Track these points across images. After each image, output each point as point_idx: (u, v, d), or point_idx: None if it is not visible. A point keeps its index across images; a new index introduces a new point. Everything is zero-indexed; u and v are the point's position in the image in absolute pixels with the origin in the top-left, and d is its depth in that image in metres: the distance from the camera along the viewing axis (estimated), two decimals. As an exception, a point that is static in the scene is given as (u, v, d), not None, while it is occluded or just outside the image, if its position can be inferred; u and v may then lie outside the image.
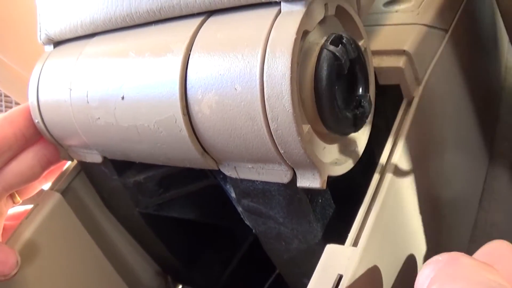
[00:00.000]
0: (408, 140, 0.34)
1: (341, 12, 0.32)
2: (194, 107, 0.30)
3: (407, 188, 0.35)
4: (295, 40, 0.27)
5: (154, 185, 0.43)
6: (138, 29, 0.36)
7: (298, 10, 0.28)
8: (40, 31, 0.43)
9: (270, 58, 0.27)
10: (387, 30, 0.38)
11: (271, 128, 0.28)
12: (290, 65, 0.26)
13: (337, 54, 0.28)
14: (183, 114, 0.31)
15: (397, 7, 0.42)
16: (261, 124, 0.28)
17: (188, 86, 0.30)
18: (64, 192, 0.46)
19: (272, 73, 0.27)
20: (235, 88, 0.28)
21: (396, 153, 0.33)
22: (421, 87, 0.36)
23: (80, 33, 0.40)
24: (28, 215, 0.44)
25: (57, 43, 0.43)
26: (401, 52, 0.35)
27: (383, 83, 0.36)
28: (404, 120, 0.35)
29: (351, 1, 0.33)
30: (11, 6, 0.69)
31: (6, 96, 1.04)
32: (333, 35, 0.29)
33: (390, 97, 0.37)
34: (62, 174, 0.47)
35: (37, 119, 0.42)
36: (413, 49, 0.35)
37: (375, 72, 0.35)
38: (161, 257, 0.51)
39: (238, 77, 0.28)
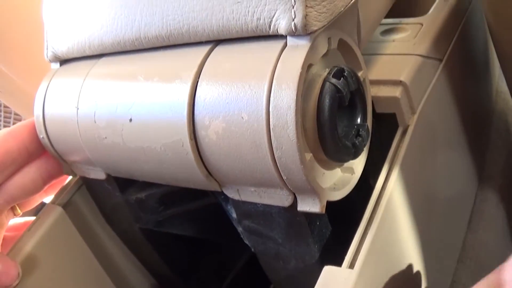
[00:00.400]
0: (402, 167, 0.36)
1: (342, 44, 0.33)
2: (201, 132, 0.32)
3: (402, 212, 0.36)
4: (301, 74, 0.28)
5: (155, 202, 0.44)
6: (146, 53, 0.37)
7: (303, 45, 0.29)
8: (47, 49, 0.44)
9: (277, 90, 0.28)
10: (384, 59, 0.40)
11: (275, 156, 0.29)
12: (295, 97, 0.28)
13: (339, 87, 0.30)
14: (190, 138, 0.32)
15: (394, 36, 0.43)
16: (265, 152, 0.29)
17: (196, 112, 0.32)
18: (65, 206, 0.47)
19: (278, 104, 0.28)
20: (242, 117, 0.30)
21: (391, 179, 0.35)
22: (415, 116, 0.38)
23: (88, 53, 0.41)
24: (30, 228, 0.45)
25: (64, 61, 0.44)
26: (398, 83, 0.37)
27: (379, 111, 0.38)
28: (399, 148, 0.37)
29: (352, 33, 0.34)
30: (13, 18, 0.70)
31: (5, 107, 1.05)
32: (335, 68, 0.31)
33: (385, 125, 0.38)
34: (64, 188, 0.48)
35: (42, 135, 0.43)
36: (409, 80, 0.37)
37: (372, 101, 0.36)
38: (159, 271, 0.52)
39: (245, 106, 0.29)
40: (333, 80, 0.30)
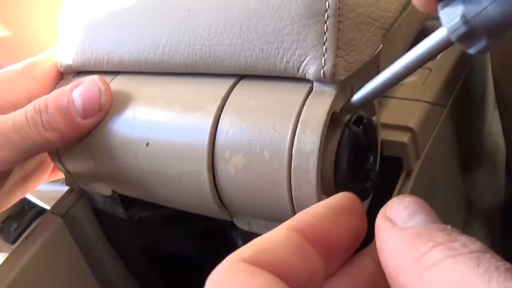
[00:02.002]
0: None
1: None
2: (220, 165, 0.33)
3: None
4: (325, 121, 0.29)
5: (158, 221, 0.45)
6: (167, 78, 0.38)
7: (329, 92, 0.30)
8: (61, 59, 0.44)
9: (301, 134, 0.29)
10: (394, 103, 0.42)
11: (293, 196, 0.30)
12: (319, 143, 0.29)
13: (358, 134, 0.31)
14: (208, 170, 0.33)
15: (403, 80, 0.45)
16: (284, 191, 0.30)
17: (217, 145, 0.33)
18: (64, 216, 0.47)
19: (301, 148, 0.29)
20: (264, 155, 0.31)
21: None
22: (420, 161, 0.39)
23: (105, 69, 0.41)
24: (28, 236, 0.45)
25: (78, 73, 0.44)
26: (407, 129, 0.38)
27: (386, 154, 0.39)
28: (402, 191, 0.38)
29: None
30: (15, 18, 0.70)
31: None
32: (355, 116, 0.32)
33: (389, 167, 0.39)
34: (63, 197, 0.48)
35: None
36: (418, 126, 0.39)
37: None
38: (152, 286, 0.52)
39: (268, 146, 0.30)
40: (354, 128, 0.31)
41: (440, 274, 0.18)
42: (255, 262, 0.20)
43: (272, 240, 0.22)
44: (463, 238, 0.19)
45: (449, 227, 0.20)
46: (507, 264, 0.18)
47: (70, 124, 0.38)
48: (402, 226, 0.21)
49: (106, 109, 0.38)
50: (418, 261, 0.19)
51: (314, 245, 0.23)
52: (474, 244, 0.19)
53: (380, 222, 0.22)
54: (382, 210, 0.23)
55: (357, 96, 0.30)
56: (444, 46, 0.24)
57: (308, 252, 0.22)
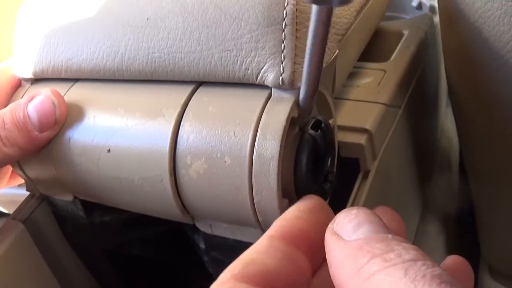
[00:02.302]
0: (365, 202, 0.38)
1: (318, 95, 0.35)
2: (181, 170, 0.33)
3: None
4: (285, 127, 0.30)
5: (119, 225, 0.45)
6: (126, 85, 0.38)
7: (288, 98, 0.31)
8: (19, 67, 0.44)
9: (261, 140, 0.30)
10: (350, 105, 0.43)
11: (255, 200, 0.31)
12: (279, 148, 0.30)
13: (317, 139, 0.32)
14: (170, 175, 0.33)
15: (358, 81, 0.46)
16: (245, 195, 0.31)
17: (178, 151, 0.33)
18: (25, 222, 0.47)
19: (261, 153, 0.30)
20: (225, 161, 0.31)
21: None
22: (376, 162, 0.40)
23: (63, 76, 0.41)
24: (-11, 243, 0.45)
25: (36, 80, 0.44)
26: (363, 130, 0.39)
27: (343, 155, 0.40)
28: (360, 191, 0.39)
29: (328, 85, 0.36)
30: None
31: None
32: (313, 120, 0.33)
33: (346, 168, 0.40)
34: (24, 203, 0.48)
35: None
36: (374, 128, 0.40)
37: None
38: (114, 290, 0.53)
39: (228, 151, 0.31)
40: (311, 132, 0.32)
41: (376, 286, 0.20)
42: (245, 275, 0.23)
43: (257, 250, 0.24)
44: (399, 248, 0.21)
45: (390, 236, 0.22)
46: (437, 271, 0.19)
47: (27, 138, 0.38)
48: (347, 239, 0.22)
49: (62, 121, 0.39)
50: (358, 273, 0.21)
51: (296, 246, 0.25)
52: (408, 253, 0.20)
53: (327, 236, 0.24)
54: (329, 225, 0.24)
55: (301, 96, 0.31)
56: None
57: (292, 254, 0.25)
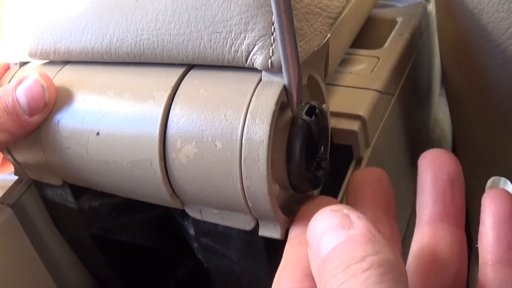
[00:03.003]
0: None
1: (309, 79, 0.35)
2: (171, 154, 0.33)
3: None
4: (274, 111, 0.30)
5: (108, 210, 0.45)
6: (115, 67, 0.37)
7: (277, 82, 0.31)
8: (6, 50, 0.43)
9: (251, 123, 0.30)
10: (343, 91, 0.42)
11: (244, 185, 0.31)
12: (268, 132, 0.29)
13: (310, 124, 0.31)
14: (160, 159, 0.33)
15: (351, 68, 0.45)
16: (235, 180, 0.31)
17: (168, 135, 0.33)
18: (13, 206, 0.46)
19: (250, 138, 0.30)
20: (216, 145, 0.31)
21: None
22: (369, 149, 0.40)
23: (52, 58, 0.41)
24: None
25: (24, 63, 0.44)
26: (357, 117, 0.39)
27: (336, 142, 0.40)
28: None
29: (320, 69, 0.36)
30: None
31: None
32: (307, 106, 0.32)
33: (340, 155, 0.40)
34: (13, 187, 0.47)
35: (-2, 135, 0.42)
36: (367, 115, 0.39)
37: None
38: (103, 275, 0.52)
39: (219, 135, 0.31)
40: (305, 118, 0.31)
41: None
42: None
43: None
44: None
45: None
46: None
47: (18, 123, 0.38)
48: None
49: (51, 104, 0.38)
50: None
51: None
52: None
53: None
54: None
55: (285, 80, 0.31)
56: None
57: None
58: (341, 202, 0.37)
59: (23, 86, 0.38)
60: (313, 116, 0.32)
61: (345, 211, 0.25)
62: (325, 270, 0.24)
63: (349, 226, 0.24)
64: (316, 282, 0.25)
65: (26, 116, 0.38)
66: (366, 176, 0.33)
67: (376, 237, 0.24)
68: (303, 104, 0.32)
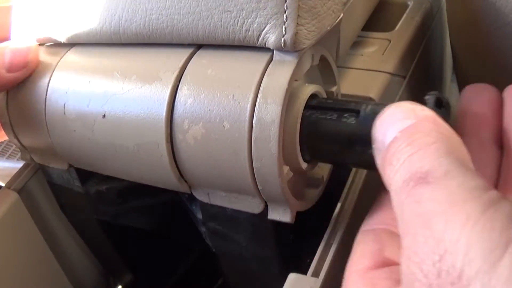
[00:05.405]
0: (366, 178, 0.37)
1: (321, 60, 0.34)
2: (178, 136, 0.32)
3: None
4: (286, 90, 0.29)
5: (115, 195, 0.44)
6: (123, 48, 0.37)
7: (290, 61, 0.30)
8: (16, 32, 0.43)
9: (262, 103, 0.29)
10: (353, 74, 0.41)
11: (254, 167, 0.30)
12: (280, 112, 0.29)
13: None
14: (167, 141, 0.32)
15: (362, 50, 0.45)
16: (244, 162, 0.30)
17: (175, 116, 0.32)
18: (20, 191, 0.46)
19: (262, 118, 0.29)
20: (224, 125, 0.30)
21: (355, 189, 0.36)
22: (381, 132, 0.39)
23: (59, 40, 0.40)
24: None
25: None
26: (367, 99, 0.38)
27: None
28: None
29: (332, 50, 0.35)
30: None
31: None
32: (434, 97, 0.30)
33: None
34: (20, 172, 0.47)
35: (3, 119, 0.41)
36: (378, 97, 0.39)
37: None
38: (110, 261, 0.52)
39: (228, 115, 0.30)
40: (435, 109, 0.29)
41: None
42: None
43: None
44: None
45: None
46: None
47: None
48: None
49: (32, 67, 0.39)
50: None
51: None
52: None
53: None
54: None
55: None
56: None
57: None
58: (352, 180, 0.37)
59: (12, 45, 0.40)
60: (442, 108, 0.30)
61: (410, 105, 0.25)
62: (388, 153, 0.24)
63: (415, 117, 0.24)
64: (381, 174, 0.25)
65: (3, 70, 0.38)
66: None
67: (441, 123, 0.24)
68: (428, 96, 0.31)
